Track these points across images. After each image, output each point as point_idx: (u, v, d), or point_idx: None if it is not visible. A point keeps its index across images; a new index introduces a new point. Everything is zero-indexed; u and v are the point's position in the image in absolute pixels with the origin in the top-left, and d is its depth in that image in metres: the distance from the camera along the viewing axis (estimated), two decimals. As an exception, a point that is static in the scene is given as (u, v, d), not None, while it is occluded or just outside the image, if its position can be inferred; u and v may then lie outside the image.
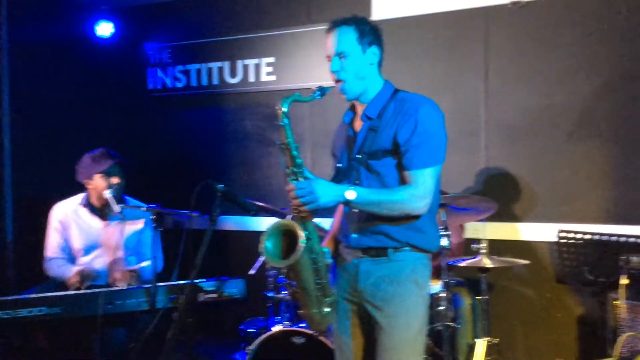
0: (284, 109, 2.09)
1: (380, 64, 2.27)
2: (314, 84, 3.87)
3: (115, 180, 3.41)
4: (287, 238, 2.07)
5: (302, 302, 2.20)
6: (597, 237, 3.43)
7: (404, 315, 2.15)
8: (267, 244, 2.08)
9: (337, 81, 2.22)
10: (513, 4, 3.81)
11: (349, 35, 2.18)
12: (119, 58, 4.95)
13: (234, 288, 3.16)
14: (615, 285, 3.18)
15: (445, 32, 4.05)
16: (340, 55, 2.19)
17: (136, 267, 3.48)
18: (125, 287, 3.17)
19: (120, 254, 3.49)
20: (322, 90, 2.20)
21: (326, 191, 2.05)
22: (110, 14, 4.88)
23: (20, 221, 4.19)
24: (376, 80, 2.26)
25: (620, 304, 3.11)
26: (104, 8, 4.88)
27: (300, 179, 2.09)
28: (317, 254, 2.13)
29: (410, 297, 2.17)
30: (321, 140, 4.31)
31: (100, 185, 3.41)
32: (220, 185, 2.31)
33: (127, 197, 3.61)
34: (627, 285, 3.08)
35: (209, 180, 2.34)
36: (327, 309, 2.18)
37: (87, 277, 3.29)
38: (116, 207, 3.34)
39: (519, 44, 3.86)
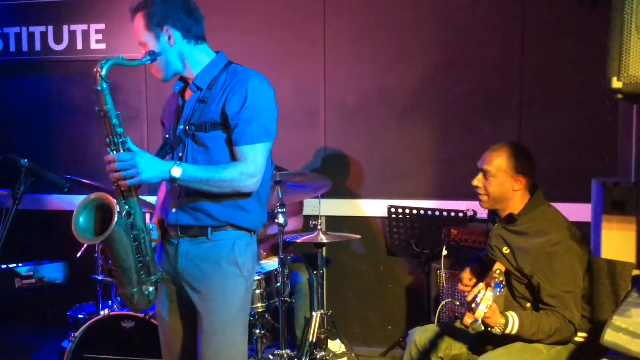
0: (102, 73, 1.94)
1: (194, 36, 2.15)
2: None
3: None
4: (102, 213, 1.94)
5: (120, 281, 2.06)
6: (422, 212, 3.68)
7: (222, 297, 2.11)
8: (79, 219, 1.93)
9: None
10: (349, -15, 3.90)
11: (140, 23, 2.11)
12: None
13: (54, 272, 2.92)
14: (437, 256, 3.44)
15: (285, 10, 4.04)
16: (141, 44, 2.13)
17: None
18: None
19: None
20: (153, 55, 2.09)
21: (150, 166, 1.94)
22: None
23: None
24: (195, 55, 2.16)
25: (441, 273, 3.37)
26: None
27: (122, 150, 1.96)
28: (139, 230, 2.01)
29: (228, 278, 2.12)
30: (158, 115, 4.11)
31: None
32: (23, 160, 2.09)
33: None
34: (446, 255, 3.34)
35: (10, 154, 2.11)
36: (150, 288, 2.07)
37: None
38: None
39: (355, 26, 3.97)
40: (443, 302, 3.24)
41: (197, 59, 2.16)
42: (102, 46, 4.25)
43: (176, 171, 1.97)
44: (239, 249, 2.14)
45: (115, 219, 1.87)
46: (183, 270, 2.14)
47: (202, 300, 2.11)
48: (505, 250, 2.42)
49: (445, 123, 3.90)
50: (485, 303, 2.15)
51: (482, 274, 2.52)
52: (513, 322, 2.24)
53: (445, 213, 3.60)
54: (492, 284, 2.22)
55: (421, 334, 2.57)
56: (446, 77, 3.87)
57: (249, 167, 2.05)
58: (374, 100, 3.98)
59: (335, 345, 3.66)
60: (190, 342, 2.18)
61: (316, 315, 3.42)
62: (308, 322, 3.51)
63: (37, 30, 4.33)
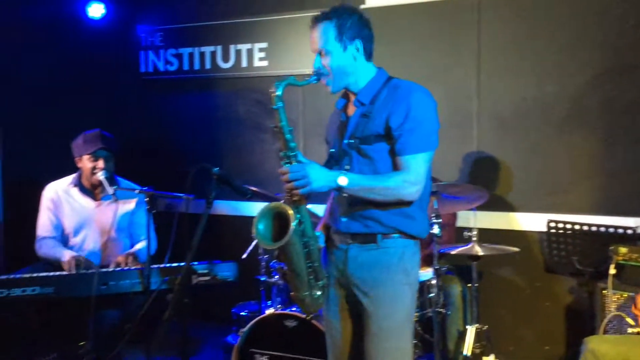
0: (278, 93, 2.08)
1: (368, 54, 2.25)
2: (306, 70, 3.94)
3: (101, 163, 3.38)
4: (279, 221, 2.07)
5: (293, 285, 2.21)
6: (585, 227, 3.48)
7: (390, 302, 2.17)
8: (258, 226, 2.08)
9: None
10: (506, -6, 3.83)
11: (329, 32, 2.17)
12: (110, 40, 4.89)
13: (227, 271, 3.15)
14: (602, 275, 3.23)
15: (438, 21, 4.05)
16: (321, 52, 2.20)
17: (133, 249, 3.46)
18: (119, 268, 3.16)
19: (113, 234, 3.48)
20: (319, 75, 2.21)
21: (319, 175, 2.05)
22: (101, -5, 4.82)
23: (10, 204, 4.15)
24: (365, 70, 2.25)
25: (608, 293, 3.16)
26: (96, -11, 4.81)
27: (294, 163, 2.09)
28: (309, 238, 2.13)
29: (397, 285, 2.18)
30: (314, 126, 4.33)
31: (87, 166, 3.40)
32: (215, 169, 2.31)
33: (119, 179, 3.59)
34: (614, 275, 3.13)
35: (204, 163, 2.33)
36: (318, 292, 2.19)
37: (81, 264, 3.19)
38: (109, 189, 3.31)
39: (511, 35, 3.87)
40: (609, 316, 3.02)
41: (366, 74, 2.26)
42: (265, 63, 4.53)
43: (343, 180, 2.07)
44: (407, 257, 2.20)
45: (293, 227, 2.00)
46: (352, 275, 2.23)
47: (371, 305, 2.18)
48: None
49: (610, 133, 3.66)
50: None
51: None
52: None
53: (611, 229, 3.38)
54: None
55: (600, 343, 2.47)
56: (612, 84, 3.64)
57: (411, 175, 2.11)
58: (531, 110, 3.84)
59: (489, 361, 3.57)
60: (356, 345, 2.26)
61: (471, 329, 3.36)
62: (461, 335, 3.46)
63: (207, 50, 4.72)
